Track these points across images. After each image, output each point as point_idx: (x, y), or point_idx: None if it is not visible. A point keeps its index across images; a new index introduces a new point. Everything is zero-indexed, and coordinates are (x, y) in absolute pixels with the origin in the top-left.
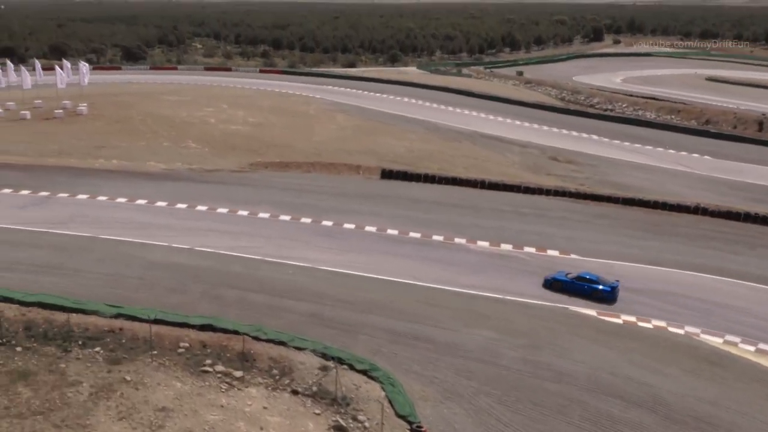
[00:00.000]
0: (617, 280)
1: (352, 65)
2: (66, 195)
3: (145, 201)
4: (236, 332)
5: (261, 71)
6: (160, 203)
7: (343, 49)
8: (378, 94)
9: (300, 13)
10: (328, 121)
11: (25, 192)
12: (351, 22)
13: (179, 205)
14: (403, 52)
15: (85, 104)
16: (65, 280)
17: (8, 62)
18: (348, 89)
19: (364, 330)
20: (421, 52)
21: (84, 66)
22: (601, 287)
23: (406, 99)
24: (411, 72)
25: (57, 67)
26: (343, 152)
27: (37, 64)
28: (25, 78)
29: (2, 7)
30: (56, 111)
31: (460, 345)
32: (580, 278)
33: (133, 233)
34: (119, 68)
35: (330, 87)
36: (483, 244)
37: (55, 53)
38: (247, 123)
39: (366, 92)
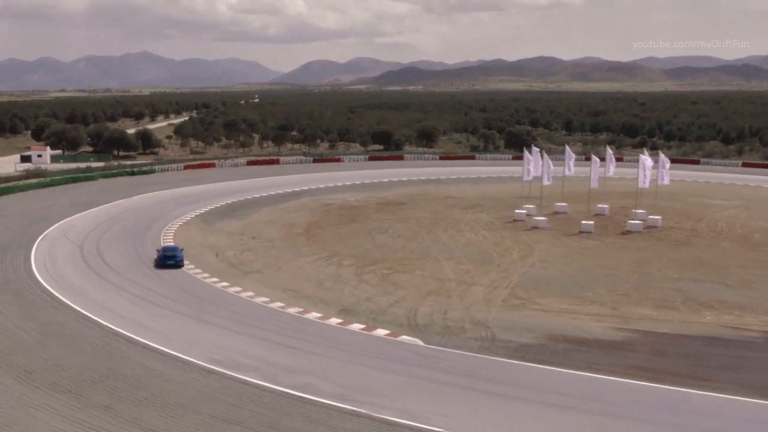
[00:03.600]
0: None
1: None
2: None
3: None
4: None
5: (744, 165)
6: None
7: (725, 138)
8: None
9: (589, 99)
10: None
11: None
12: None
13: None
14: None
15: (642, 210)
16: None
17: (533, 149)
18: None
19: None
20: None
21: (663, 160)
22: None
23: None
24: None
25: (542, 155)
26: None
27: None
28: (548, 168)
29: (256, 97)
30: (630, 221)
31: None
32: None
33: None
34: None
35: None
36: None
37: (422, 138)
38: None
39: None
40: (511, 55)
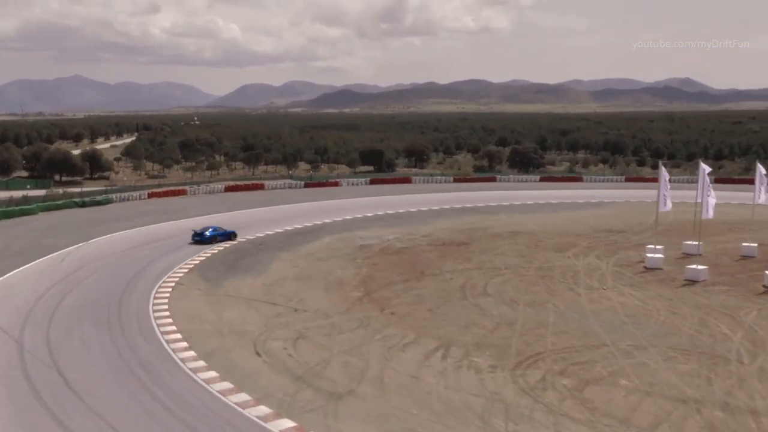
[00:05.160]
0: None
1: None
2: None
3: None
4: None
5: None
6: None
7: (717, 155)
8: None
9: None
10: None
11: None
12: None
13: None
14: None
15: None
16: None
17: (661, 170)
18: None
19: None
20: None
21: None
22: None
23: None
24: None
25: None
26: None
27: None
28: (709, 196)
29: (196, 120)
30: None
31: None
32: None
33: None
34: (579, 179)
35: None
36: None
37: (412, 156)
38: None
39: None
40: (443, 78)
